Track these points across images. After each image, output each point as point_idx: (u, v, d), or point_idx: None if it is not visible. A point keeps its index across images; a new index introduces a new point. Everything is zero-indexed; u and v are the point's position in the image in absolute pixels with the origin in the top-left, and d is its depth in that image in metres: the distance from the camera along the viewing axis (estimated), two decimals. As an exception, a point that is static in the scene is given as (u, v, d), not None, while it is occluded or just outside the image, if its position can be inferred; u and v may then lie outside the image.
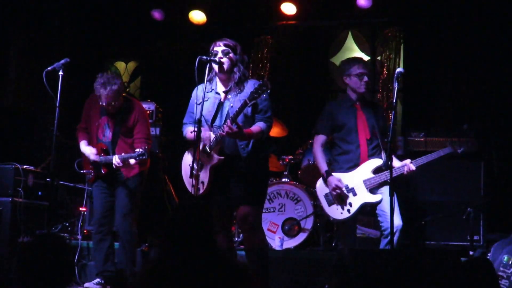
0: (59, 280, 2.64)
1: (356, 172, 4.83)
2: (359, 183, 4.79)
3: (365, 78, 4.91)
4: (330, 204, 4.88)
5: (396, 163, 4.82)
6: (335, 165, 4.97)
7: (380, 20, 8.01)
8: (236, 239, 6.29)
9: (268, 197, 6.31)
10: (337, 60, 8.50)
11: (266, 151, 4.52)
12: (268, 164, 4.63)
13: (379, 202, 4.75)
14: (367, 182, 4.78)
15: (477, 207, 5.72)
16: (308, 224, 6.30)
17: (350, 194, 4.80)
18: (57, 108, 4.64)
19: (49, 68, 4.70)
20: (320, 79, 8.46)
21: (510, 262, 4.55)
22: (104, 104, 5.11)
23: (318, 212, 6.37)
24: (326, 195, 4.89)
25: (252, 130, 4.28)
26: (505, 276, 4.53)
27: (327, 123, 4.97)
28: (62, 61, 4.71)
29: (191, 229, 2.60)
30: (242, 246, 5.39)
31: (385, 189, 4.71)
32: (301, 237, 6.29)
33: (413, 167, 4.76)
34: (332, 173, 4.86)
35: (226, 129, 4.12)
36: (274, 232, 6.34)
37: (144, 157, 4.97)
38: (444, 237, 5.86)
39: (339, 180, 4.80)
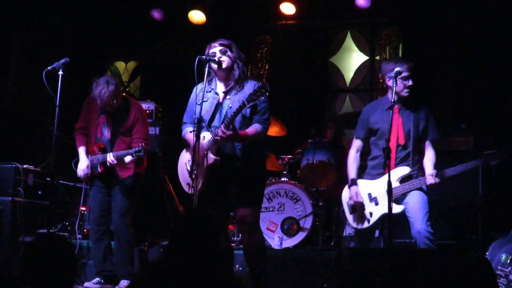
0: (62, 281, 2.65)
1: (381, 180, 4.61)
2: (383, 192, 4.54)
3: (410, 83, 4.60)
4: (351, 212, 4.75)
5: (428, 170, 4.60)
6: (365, 171, 4.80)
7: (379, 20, 8.03)
8: (235, 238, 6.32)
9: (267, 196, 6.33)
10: (336, 60, 8.55)
11: (263, 152, 4.52)
12: (265, 165, 4.64)
13: (400, 213, 4.55)
14: None
15: (476, 206, 5.74)
16: (307, 223, 6.32)
17: (372, 204, 4.65)
18: (57, 108, 4.66)
19: (49, 68, 4.72)
20: (319, 78, 8.48)
21: (508, 261, 4.57)
22: (102, 105, 5.13)
23: (317, 212, 6.39)
24: (348, 203, 4.77)
25: (247, 132, 4.28)
26: (503, 274, 4.55)
27: (362, 127, 4.79)
28: (62, 61, 4.73)
29: (199, 237, 2.59)
30: (241, 246, 5.42)
31: (411, 195, 4.56)
32: (300, 236, 6.30)
33: (436, 180, 4.52)
34: (359, 180, 4.71)
35: (220, 133, 4.15)
36: (274, 231, 6.36)
37: (141, 154, 4.96)
38: (442, 236, 5.87)
39: (357, 194, 4.65)
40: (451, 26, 7.34)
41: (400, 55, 7.86)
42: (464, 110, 7.03)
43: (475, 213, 5.75)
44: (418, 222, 4.47)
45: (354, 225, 4.80)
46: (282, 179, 6.67)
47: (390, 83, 4.62)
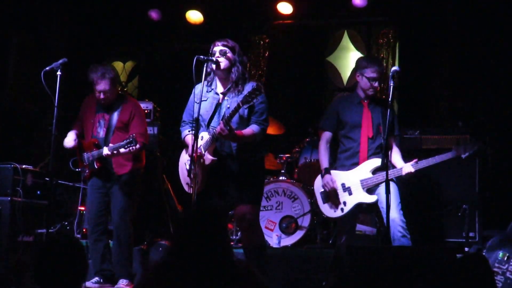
0: (75, 278, 2.74)
1: (355, 171, 4.83)
2: (356, 182, 4.80)
3: (375, 84, 4.85)
4: (324, 202, 4.92)
5: (398, 163, 4.80)
6: (337, 163, 4.98)
7: (376, 19, 8.05)
8: (233, 237, 6.33)
9: (265, 195, 6.35)
10: (333, 59, 8.56)
11: (261, 152, 4.52)
12: (264, 164, 4.65)
13: (374, 203, 4.75)
14: (364, 182, 4.78)
15: (473, 204, 5.76)
16: (305, 221, 6.34)
17: (346, 193, 4.81)
18: (55, 108, 4.67)
19: (47, 68, 4.74)
20: (316, 78, 8.50)
21: (505, 258, 4.59)
22: (98, 90, 5.15)
23: (315, 210, 6.41)
24: (322, 192, 4.94)
25: (244, 133, 4.30)
26: (500, 272, 4.57)
27: (332, 119, 4.96)
28: (60, 61, 4.74)
29: (203, 232, 2.57)
30: (240, 245, 5.43)
31: (383, 186, 4.60)
32: (298, 235, 6.32)
33: (412, 170, 4.70)
34: (332, 171, 4.86)
35: (218, 130, 4.17)
36: (272, 230, 6.38)
37: (132, 144, 4.92)
38: (439, 234, 5.88)
39: (333, 180, 4.82)
40: (448, 25, 7.36)
41: (397, 54, 7.87)
42: (461, 108, 7.05)
43: (472, 211, 5.78)
44: (392, 211, 4.53)
45: (328, 214, 4.94)
46: (280, 178, 6.69)
47: (359, 79, 4.90)
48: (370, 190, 4.80)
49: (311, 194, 6.53)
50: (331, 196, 4.86)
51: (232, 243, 6.08)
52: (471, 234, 5.78)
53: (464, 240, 5.69)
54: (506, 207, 5.99)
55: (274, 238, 6.26)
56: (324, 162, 4.92)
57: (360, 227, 6.21)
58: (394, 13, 7.77)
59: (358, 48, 8.50)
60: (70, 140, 5.28)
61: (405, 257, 3.75)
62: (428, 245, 5.59)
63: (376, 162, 4.80)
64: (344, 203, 4.82)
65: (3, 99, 7.53)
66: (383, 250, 4.20)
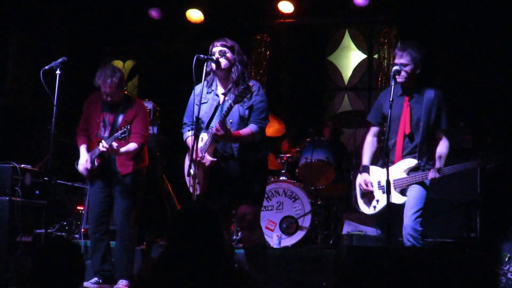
0: (72, 281, 2.76)
1: (391, 170, 4.48)
2: (391, 182, 4.46)
3: (396, 67, 4.50)
4: (362, 197, 4.73)
5: (436, 162, 4.55)
6: (380, 158, 4.78)
7: (377, 19, 8.03)
8: (234, 237, 6.31)
9: (266, 195, 6.32)
10: (334, 58, 8.55)
11: (261, 151, 4.48)
12: (267, 164, 4.61)
13: (402, 205, 4.52)
14: (397, 182, 4.50)
15: (474, 204, 5.74)
16: (306, 222, 6.32)
17: (380, 191, 4.60)
18: (54, 107, 4.64)
19: (46, 67, 4.71)
20: (318, 77, 8.49)
21: (506, 259, 4.57)
22: (104, 93, 5.13)
23: (316, 210, 6.39)
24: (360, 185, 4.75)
25: (240, 133, 4.26)
26: (502, 273, 4.55)
27: (376, 112, 4.75)
28: (60, 60, 4.72)
29: (199, 230, 2.57)
30: (240, 245, 5.41)
31: (412, 189, 4.51)
32: (299, 235, 6.31)
33: (436, 175, 4.46)
34: (372, 166, 4.68)
35: (214, 130, 4.15)
36: (272, 230, 6.36)
37: (126, 134, 4.91)
38: (441, 234, 5.86)
39: (366, 181, 4.63)
40: (449, 24, 7.34)
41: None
42: (463, 109, 7.03)
43: (474, 211, 5.75)
44: (407, 218, 4.43)
45: (362, 209, 4.75)
46: (281, 178, 6.67)
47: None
48: (403, 191, 4.54)
49: (311, 194, 6.52)
50: (368, 192, 4.68)
51: (233, 243, 6.06)
52: (472, 235, 5.76)
53: (465, 241, 5.67)
54: (508, 207, 5.96)
55: (274, 239, 6.24)
56: (364, 159, 4.70)
57: (360, 227, 6.19)
58: (395, 12, 7.75)
59: (359, 47, 8.49)
60: (83, 163, 5.26)
61: (405, 257, 3.73)
62: (429, 245, 5.56)
63: (411, 162, 4.53)
64: (377, 201, 4.62)
65: (2, 97, 7.52)
66: (383, 250, 4.18)
